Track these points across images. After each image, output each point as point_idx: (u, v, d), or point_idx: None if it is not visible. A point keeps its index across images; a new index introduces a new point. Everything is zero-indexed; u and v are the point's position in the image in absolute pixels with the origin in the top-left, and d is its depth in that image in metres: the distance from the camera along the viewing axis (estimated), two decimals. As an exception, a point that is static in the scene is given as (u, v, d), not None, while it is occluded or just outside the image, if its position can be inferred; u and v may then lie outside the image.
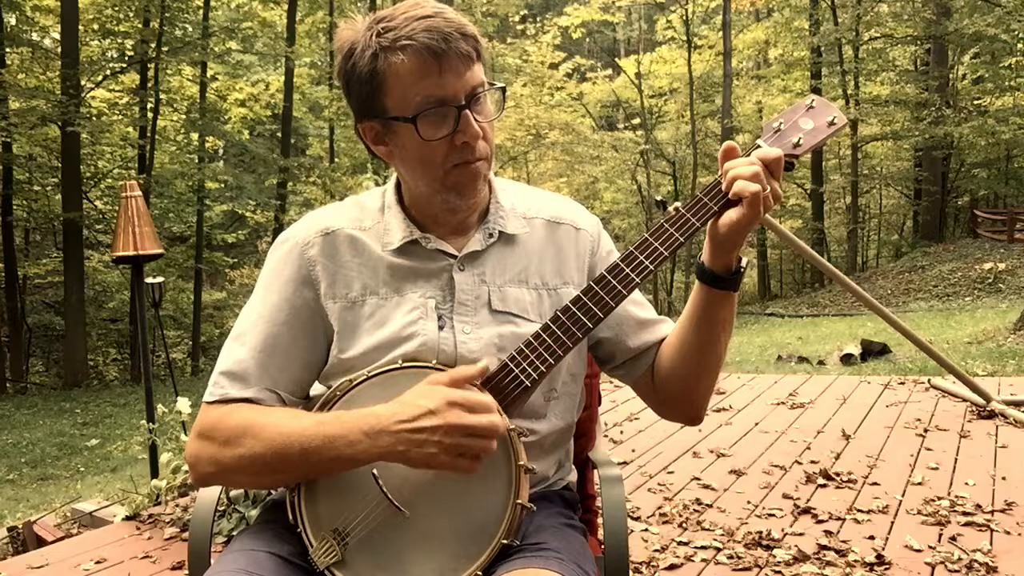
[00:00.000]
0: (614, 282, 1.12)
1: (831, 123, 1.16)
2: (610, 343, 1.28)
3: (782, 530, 2.96)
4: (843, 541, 2.84)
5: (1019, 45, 19.11)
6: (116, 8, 19.08)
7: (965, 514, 3.04)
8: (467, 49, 1.09)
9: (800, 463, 3.82)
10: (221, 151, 25.90)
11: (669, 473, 3.77)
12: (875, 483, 3.48)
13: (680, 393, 1.25)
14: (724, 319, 1.18)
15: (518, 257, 1.23)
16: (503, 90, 1.17)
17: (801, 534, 2.93)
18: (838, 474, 3.58)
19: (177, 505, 3.38)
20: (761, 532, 2.93)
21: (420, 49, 1.07)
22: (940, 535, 2.87)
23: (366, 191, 1.31)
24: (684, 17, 26.77)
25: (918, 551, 2.73)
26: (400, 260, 1.19)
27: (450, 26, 1.08)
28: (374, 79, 1.10)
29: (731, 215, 1.09)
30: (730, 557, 2.75)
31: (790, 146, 1.15)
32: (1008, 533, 2.87)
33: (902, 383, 5.68)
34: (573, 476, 1.37)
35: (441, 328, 1.17)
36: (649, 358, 1.28)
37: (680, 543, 2.90)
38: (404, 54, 1.07)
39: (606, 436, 4.48)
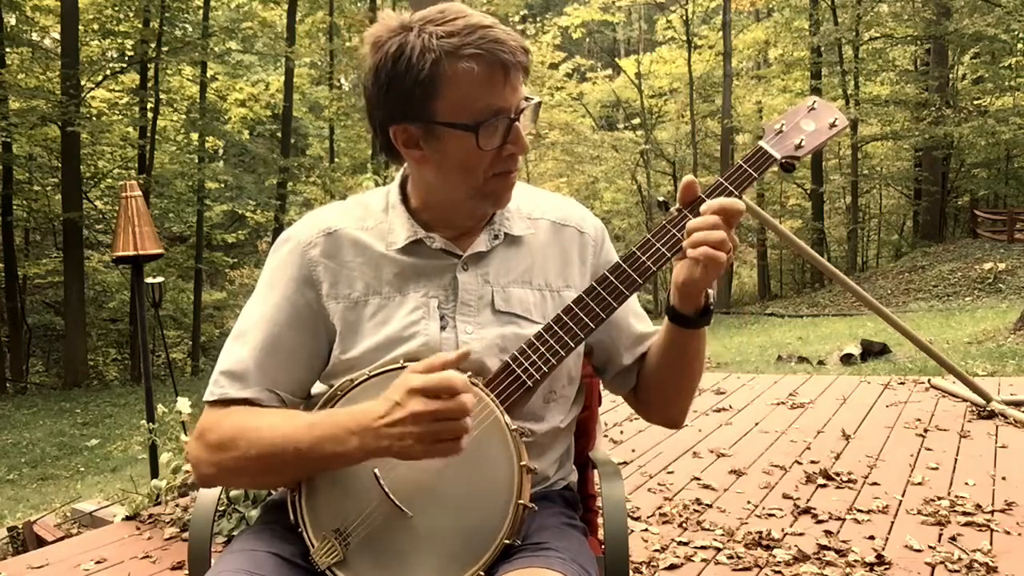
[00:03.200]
0: (616, 282, 1.13)
1: (832, 125, 1.17)
2: (605, 353, 1.31)
3: (782, 530, 2.96)
4: (843, 541, 2.84)
5: (1019, 45, 19.11)
6: (116, 8, 19.09)
7: (965, 514, 3.04)
8: (526, 63, 1.11)
9: (800, 463, 3.82)
10: (221, 151, 25.91)
11: (669, 473, 3.77)
12: (875, 483, 3.48)
13: (661, 406, 1.32)
14: (696, 350, 1.22)
15: (522, 258, 1.23)
16: (539, 104, 1.17)
17: (801, 534, 2.93)
18: (838, 474, 3.58)
19: (177, 505, 3.38)
20: (761, 532, 2.93)
21: (492, 60, 1.06)
22: (940, 535, 2.87)
23: (367, 191, 1.31)
24: (684, 17, 26.78)
25: (918, 551, 2.73)
26: (404, 259, 1.19)
27: (511, 39, 1.08)
28: (432, 83, 1.07)
29: (692, 274, 1.11)
30: (730, 557, 2.75)
31: (792, 147, 1.16)
32: (1008, 533, 2.87)
33: (902, 383, 5.68)
34: (574, 476, 1.37)
35: (443, 328, 1.17)
36: (636, 372, 1.32)
37: (680, 543, 2.90)
38: (475, 63, 1.06)
39: (606, 436, 4.48)
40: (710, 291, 1.16)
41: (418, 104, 1.10)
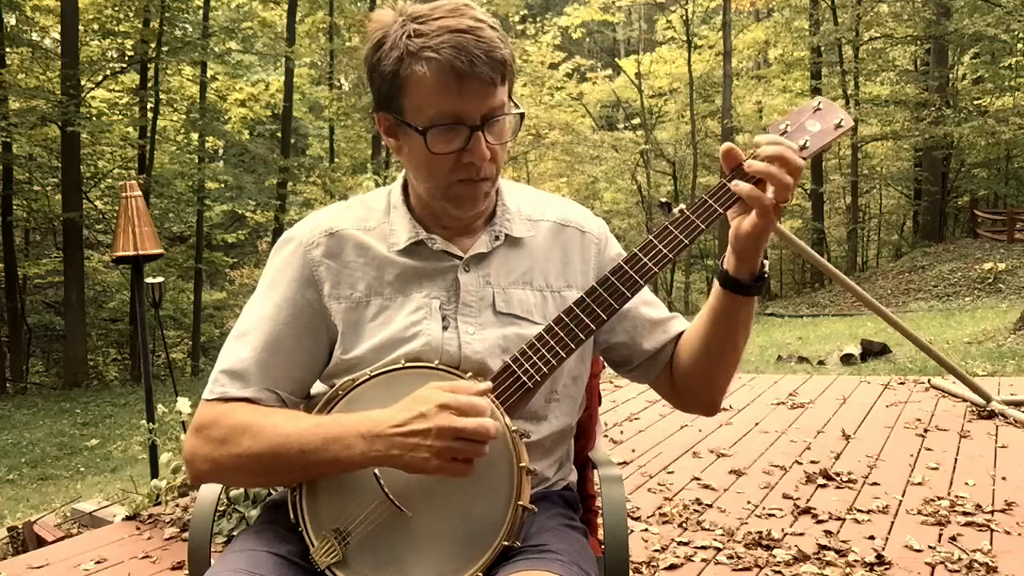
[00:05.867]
0: (618, 284, 1.12)
1: (838, 125, 1.16)
2: (625, 347, 1.28)
3: (782, 530, 2.96)
4: (843, 541, 2.84)
5: (1019, 45, 19.11)
6: (116, 8, 19.08)
7: (965, 514, 3.05)
8: (491, 74, 1.07)
9: (800, 463, 3.82)
10: (221, 151, 25.89)
11: (669, 473, 3.77)
12: (875, 483, 3.48)
13: (699, 388, 1.26)
14: (745, 321, 1.19)
15: (523, 259, 1.23)
16: (521, 116, 1.16)
17: (801, 534, 2.93)
18: (838, 474, 3.58)
19: (177, 505, 3.38)
20: (761, 532, 2.93)
21: (444, 66, 1.05)
22: (940, 535, 2.87)
23: (369, 191, 1.31)
24: (684, 17, 26.76)
25: (918, 551, 2.73)
26: (406, 261, 1.19)
27: (479, 47, 1.06)
28: (396, 80, 1.10)
29: (745, 225, 1.09)
30: (730, 557, 2.75)
31: (796, 149, 1.15)
32: (1008, 533, 2.87)
33: (902, 383, 5.68)
34: (573, 476, 1.37)
35: (445, 329, 1.17)
36: (666, 356, 1.28)
37: (680, 543, 2.90)
38: (427, 66, 1.06)
39: (606, 436, 4.48)
40: (764, 260, 1.15)
41: (387, 97, 1.12)
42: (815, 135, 1.15)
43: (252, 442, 1.10)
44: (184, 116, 21.85)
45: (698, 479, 3.65)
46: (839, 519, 3.07)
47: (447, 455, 1.01)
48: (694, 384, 1.26)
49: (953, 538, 2.83)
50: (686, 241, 1.11)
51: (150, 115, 19.80)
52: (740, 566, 2.67)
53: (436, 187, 1.15)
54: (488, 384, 1.08)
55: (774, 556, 2.73)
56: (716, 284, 1.17)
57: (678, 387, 1.28)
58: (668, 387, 1.30)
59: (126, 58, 20.49)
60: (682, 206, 1.13)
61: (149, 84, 19.83)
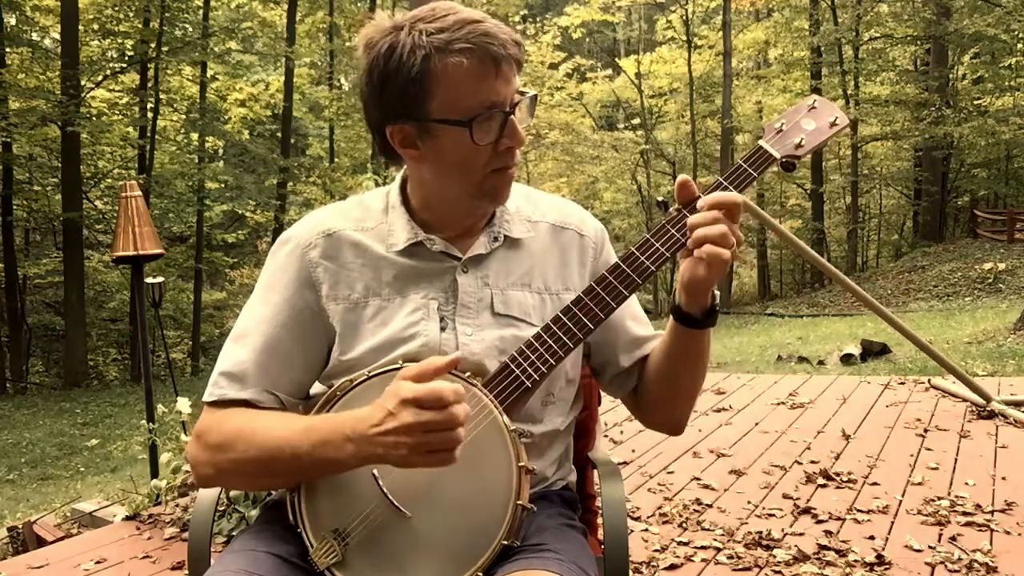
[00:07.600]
0: (615, 283, 1.12)
1: (833, 123, 1.16)
2: (603, 355, 1.30)
3: (782, 530, 2.96)
4: (843, 541, 2.84)
5: (1019, 45, 19.11)
6: (116, 8, 19.09)
7: (965, 514, 3.04)
8: (518, 56, 1.10)
9: (800, 463, 3.82)
10: (221, 151, 25.90)
11: (669, 473, 3.77)
12: (875, 483, 3.48)
13: (662, 410, 1.29)
14: (701, 352, 1.21)
15: (522, 261, 1.23)
16: (534, 98, 1.16)
17: (801, 534, 2.93)
18: (838, 474, 3.58)
19: (177, 505, 3.38)
20: (761, 532, 2.93)
21: (481, 53, 1.06)
22: (940, 535, 2.87)
23: (367, 191, 1.31)
24: (684, 17, 26.78)
25: (918, 551, 2.73)
26: (404, 261, 1.19)
27: (502, 32, 1.08)
28: (423, 80, 1.07)
29: (696, 272, 1.10)
30: (730, 557, 2.75)
31: (792, 147, 1.15)
32: (1008, 533, 2.87)
33: (902, 383, 5.68)
34: (573, 476, 1.37)
35: (443, 329, 1.17)
36: (635, 375, 1.30)
37: (680, 543, 2.90)
38: (464, 56, 1.06)
39: (606, 436, 4.48)
40: (715, 292, 1.15)
41: (412, 102, 1.09)
42: (810, 133, 1.16)
43: (247, 447, 1.10)
44: (184, 116, 21.87)
45: (698, 479, 3.65)
46: (839, 519, 3.07)
47: (423, 449, 0.98)
48: (657, 406, 1.29)
49: (953, 538, 2.82)
50: (683, 240, 1.11)
51: (150, 115, 19.82)
52: (740, 566, 2.67)
53: (470, 184, 1.14)
54: (455, 356, 1.03)
55: (774, 556, 2.73)
56: (671, 320, 1.18)
57: (642, 407, 1.31)
58: (634, 405, 1.33)
59: (126, 58, 20.50)
60: (679, 204, 1.13)
61: (149, 84, 19.84)
